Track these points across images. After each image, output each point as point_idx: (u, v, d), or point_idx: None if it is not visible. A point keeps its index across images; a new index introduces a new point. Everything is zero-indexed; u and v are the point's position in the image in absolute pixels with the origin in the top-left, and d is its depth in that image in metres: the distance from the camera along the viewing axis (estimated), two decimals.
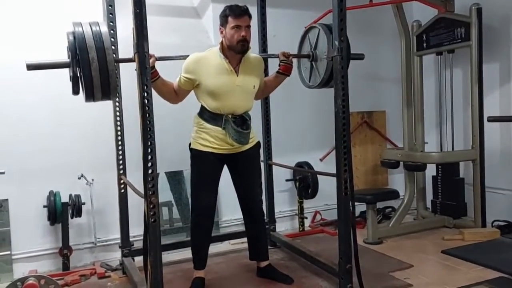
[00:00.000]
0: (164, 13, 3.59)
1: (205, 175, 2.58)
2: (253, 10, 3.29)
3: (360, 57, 2.82)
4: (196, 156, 2.59)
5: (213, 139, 2.52)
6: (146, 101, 1.89)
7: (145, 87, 1.88)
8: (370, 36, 4.25)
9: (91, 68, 1.93)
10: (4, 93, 2.93)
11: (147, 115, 1.89)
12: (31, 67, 2.05)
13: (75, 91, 2.04)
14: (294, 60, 2.81)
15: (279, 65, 2.73)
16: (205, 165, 2.57)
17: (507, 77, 3.65)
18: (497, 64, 3.70)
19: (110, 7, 2.86)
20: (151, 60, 2.16)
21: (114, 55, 2.10)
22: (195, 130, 2.60)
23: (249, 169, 2.69)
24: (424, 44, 3.83)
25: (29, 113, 3.05)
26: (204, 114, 2.54)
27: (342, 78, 2.27)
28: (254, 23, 3.29)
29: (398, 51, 3.83)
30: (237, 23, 2.39)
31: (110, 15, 2.85)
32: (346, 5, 2.24)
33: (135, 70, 1.95)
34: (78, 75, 2.01)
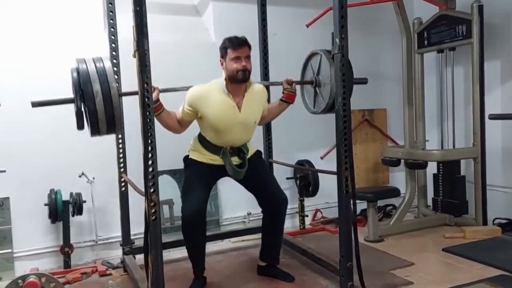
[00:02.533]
0: (164, 11, 3.59)
1: (197, 177, 2.56)
2: (254, 8, 3.31)
3: (363, 81, 2.84)
4: (192, 163, 2.62)
5: (211, 161, 2.59)
6: (146, 99, 1.89)
7: (145, 85, 1.88)
8: (371, 34, 4.24)
9: (95, 100, 1.93)
10: (5, 92, 2.93)
11: (148, 112, 1.89)
12: (35, 104, 2.07)
13: (80, 126, 2.03)
14: (297, 87, 2.81)
15: (283, 93, 2.74)
16: (199, 169, 2.59)
17: (509, 74, 3.64)
18: (499, 61, 3.69)
19: (110, 5, 2.86)
20: (154, 94, 2.20)
21: (118, 90, 2.07)
22: (193, 151, 2.64)
23: (259, 172, 2.69)
24: (425, 42, 3.82)
25: (29, 112, 3.03)
26: (204, 141, 2.59)
27: (343, 76, 2.26)
28: (255, 21, 3.31)
29: (399, 49, 3.82)
30: (236, 54, 2.40)
31: (110, 13, 2.85)
32: (347, 2, 2.23)
33: (136, 69, 1.95)
34: (83, 109, 2.00)
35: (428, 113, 3.98)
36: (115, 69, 2.81)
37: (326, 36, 3.48)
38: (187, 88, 2.51)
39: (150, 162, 1.90)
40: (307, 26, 3.70)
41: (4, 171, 2.70)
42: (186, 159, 2.67)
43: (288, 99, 2.74)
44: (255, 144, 2.84)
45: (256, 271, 2.82)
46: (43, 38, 3.08)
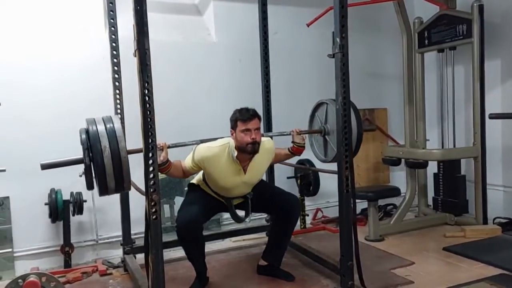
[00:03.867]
0: (165, 10, 3.59)
1: (199, 199, 2.60)
2: (255, 7, 3.31)
3: (372, 128, 2.84)
4: (196, 189, 2.68)
5: (215, 195, 2.66)
6: (147, 98, 1.88)
7: (146, 84, 1.88)
8: (372, 33, 4.24)
9: (103, 155, 1.93)
10: (5, 91, 2.92)
11: (148, 112, 1.89)
12: (45, 166, 2.09)
13: (90, 187, 2.03)
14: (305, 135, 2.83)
15: (292, 143, 2.76)
16: (202, 194, 2.64)
17: (509, 74, 3.64)
18: (499, 61, 3.69)
19: (111, 4, 2.86)
20: (163, 155, 2.27)
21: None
22: (199, 180, 2.68)
23: (261, 192, 2.72)
24: (426, 41, 3.82)
25: (30, 111, 3.05)
26: (208, 184, 2.64)
27: (343, 75, 2.26)
28: (256, 21, 3.31)
29: (399, 48, 3.82)
30: (246, 127, 2.43)
31: (111, 12, 2.85)
32: (348, 1, 2.23)
33: (137, 68, 1.95)
34: (92, 168, 2.00)
35: (428, 113, 3.98)
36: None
37: (326, 36, 3.48)
38: (196, 143, 2.52)
39: (150, 162, 1.91)
40: (308, 25, 3.70)
41: (4, 170, 2.69)
42: (190, 185, 2.73)
43: (297, 152, 2.78)
44: None
45: (256, 271, 2.82)
46: (44, 38, 3.08)
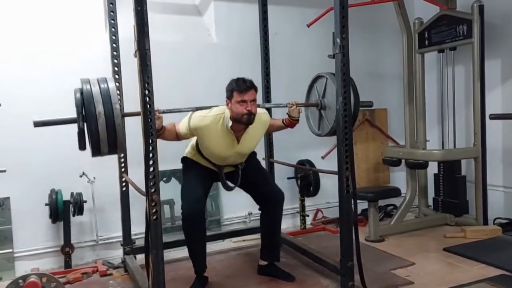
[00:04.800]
0: (165, 10, 3.59)
1: (195, 177, 2.62)
2: (255, 7, 3.31)
3: (369, 104, 2.84)
4: (189, 164, 2.69)
5: (207, 164, 2.66)
6: (147, 98, 1.89)
7: (146, 85, 1.88)
8: (372, 34, 4.24)
9: (97, 121, 1.93)
10: (6, 91, 2.93)
11: (149, 112, 1.89)
12: (38, 124, 2.07)
13: (82, 146, 2.03)
14: (302, 108, 2.81)
15: (287, 115, 2.74)
16: (197, 169, 2.66)
17: (509, 74, 3.64)
18: (499, 61, 3.69)
19: (111, 5, 2.86)
20: (157, 122, 2.22)
21: (120, 110, 2.08)
22: (190, 152, 2.70)
23: (252, 171, 2.73)
24: (426, 42, 3.82)
25: (30, 111, 3.03)
26: (201, 152, 2.65)
27: (343, 76, 2.26)
28: (256, 21, 3.31)
29: (399, 49, 3.82)
30: (242, 98, 2.42)
31: (111, 13, 2.85)
32: (348, 2, 2.23)
33: (137, 68, 1.95)
34: (85, 130, 2.00)
35: (428, 113, 3.98)
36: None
37: (327, 36, 3.47)
38: (191, 110, 2.51)
39: (151, 162, 1.91)
40: (308, 26, 3.70)
41: (4, 171, 2.69)
42: (184, 159, 2.74)
43: (290, 125, 2.78)
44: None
45: (256, 271, 2.82)
46: (45, 38, 3.08)
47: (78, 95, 1.97)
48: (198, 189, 2.56)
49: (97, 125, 1.93)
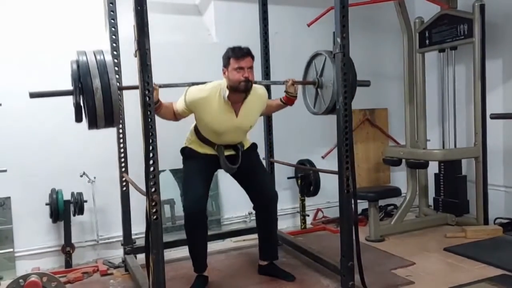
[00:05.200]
0: (165, 10, 3.59)
1: (196, 172, 2.59)
2: (255, 7, 3.31)
3: (366, 84, 2.83)
4: (189, 154, 2.65)
5: (206, 150, 2.62)
6: (147, 98, 1.89)
7: (146, 85, 1.88)
8: (372, 33, 4.24)
9: (94, 96, 1.93)
10: (6, 91, 2.93)
11: (149, 112, 1.89)
12: (34, 95, 2.06)
13: (78, 119, 2.03)
14: (299, 86, 2.81)
15: (285, 93, 2.74)
16: (197, 162, 2.62)
17: (510, 74, 3.64)
18: (500, 61, 3.68)
19: (111, 5, 2.86)
20: (154, 94, 2.15)
21: (118, 84, 2.06)
22: (189, 139, 2.68)
23: (251, 166, 2.71)
24: (427, 41, 3.82)
25: (31, 111, 3.05)
26: (200, 135, 2.63)
27: (344, 75, 2.26)
28: (256, 21, 3.31)
29: (400, 48, 3.81)
30: (239, 65, 2.40)
31: (111, 13, 2.85)
32: (348, 1, 2.23)
33: (137, 68, 1.95)
34: (82, 103, 2.00)
35: (429, 113, 3.97)
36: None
37: (327, 36, 3.47)
38: (187, 85, 2.50)
39: (151, 162, 1.91)
40: (308, 25, 3.70)
41: (5, 171, 2.70)
42: (184, 150, 2.70)
43: (288, 102, 2.76)
44: (257, 143, 2.86)
45: (257, 271, 2.82)
46: (45, 38, 3.08)
47: (75, 66, 1.96)
48: (200, 187, 2.54)
49: (94, 100, 1.93)
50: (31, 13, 3.06)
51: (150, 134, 1.89)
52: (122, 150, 2.94)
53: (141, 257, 2.75)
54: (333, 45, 2.30)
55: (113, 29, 2.84)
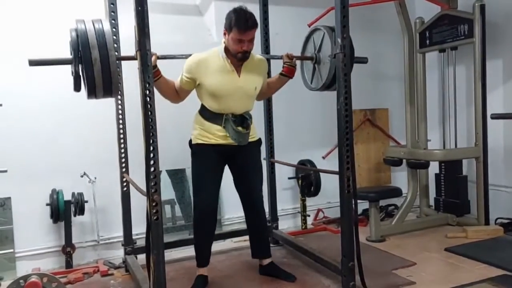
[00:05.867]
0: (166, 10, 3.59)
1: (207, 170, 2.58)
2: (256, 8, 3.30)
3: (363, 60, 2.83)
4: (197, 151, 2.60)
5: (213, 136, 2.55)
6: (148, 98, 1.89)
7: (147, 85, 1.88)
8: (373, 33, 4.23)
9: (93, 67, 1.94)
10: (7, 91, 2.93)
11: (149, 113, 1.89)
12: (33, 63, 2.05)
13: (77, 89, 2.06)
14: (297, 61, 2.80)
15: (283, 67, 2.72)
16: (206, 159, 2.58)
17: (511, 74, 3.63)
18: (501, 61, 3.68)
19: (112, 5, 2.86)
20: (152, 59, 2.13)
21: (116, 53, 2.09)
22: (195, 127, 2.62)
23: (249, 163, 2.68)
24: (427, 41, 3.82)
25: (31, 111, 3.05)
26: (205, 112, 2.56)
27: (344, 76, 2.26)
28: (256, 20, 3.29)
29: (400, 48, 3.81)
30: (241, 37, 2.39)
31: (112, 13, 2.85)
32: (349, 2, 2.23)
33: (138, 68, 1.95)
34: (80, 73, 2.01)
35: (430, 113, 3.97)
36: (114, 29, 2.79)
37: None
38: (185, 56, 2.51)
39: (152, 162, 1.91)
40: (309, 26, 3.68)
41: (5, 171, 2.70)
42: (191, 145, 2.64)
43: (288, 73, 2.71)
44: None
45: (257, 271, 2.82)
46: (45, 38, 3.08)
47: (74, 35, 1.97)
48: (211, 184, 2.56)
49: (93, 71, 1.94)
50: (31, 12, 3.06)
51: (151, 134, 1.89)
52: (122, 150, 2.94)
53: (142, 257, 2.75)
54: (333, 45, 2.29)
55: (113, 29, 2.84)
